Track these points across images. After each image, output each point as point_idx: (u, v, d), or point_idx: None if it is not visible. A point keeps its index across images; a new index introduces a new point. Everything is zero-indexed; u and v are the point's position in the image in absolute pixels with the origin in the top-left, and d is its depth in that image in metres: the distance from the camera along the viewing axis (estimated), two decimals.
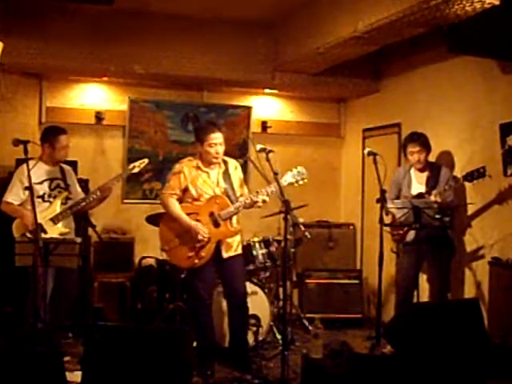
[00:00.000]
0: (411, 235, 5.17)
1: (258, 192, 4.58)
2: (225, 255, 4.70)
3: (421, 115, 6.08)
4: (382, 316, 4.86)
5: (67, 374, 3.21)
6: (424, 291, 5.30)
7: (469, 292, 5.42)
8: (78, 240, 4.34)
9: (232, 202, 4.66)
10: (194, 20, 6.09)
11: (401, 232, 5.22)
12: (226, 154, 4.81)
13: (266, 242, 5.56)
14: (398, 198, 5.29)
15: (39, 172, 4.78)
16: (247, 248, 5.35)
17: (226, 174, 4.77)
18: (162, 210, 4.85)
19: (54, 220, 4.75)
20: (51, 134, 4.91)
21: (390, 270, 5.90)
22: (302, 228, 4.69)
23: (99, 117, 6.57)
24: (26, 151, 4.18)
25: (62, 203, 4.85)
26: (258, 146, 4.46)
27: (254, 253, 5.47)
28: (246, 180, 5.05)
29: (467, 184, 5.07)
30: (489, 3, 4.19)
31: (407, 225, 5.02)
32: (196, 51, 6.18)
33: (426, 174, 5.24)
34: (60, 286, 4.78)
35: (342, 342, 4.45)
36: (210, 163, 4.70)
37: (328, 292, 6.47)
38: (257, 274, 5.55)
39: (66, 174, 4.99)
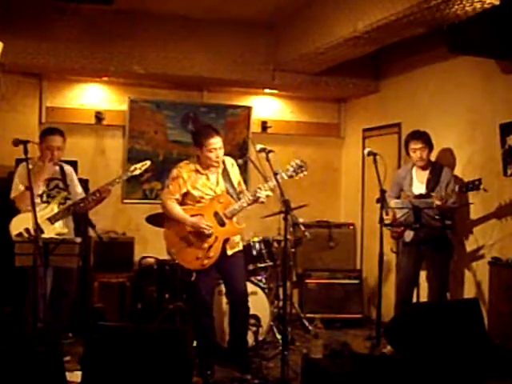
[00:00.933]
0: (410, 235, 5.18)
1: (260, 188, 4.58)
2: (229, 252, 4.70)
3: (421, 115, 6.08)
4: (382, 316, 4.86)
5: (67, 373, 3.21)
6: (424, 291, 5.30)
7: (469, 292, 5.42)
8: (78, 240, 4.33)
9: (234, 200, 4.67)
10: (194, 20, 6.09)
11: (399, 230, 5.23)
12: (226, 153, 4.81)
13: (266, 242, 5.56)
14: (398, 197, 5.30)
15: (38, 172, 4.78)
16: (247, 248, 5.36)
17: (225, 173, 4.77)
18: (162, 210, 4.84)
19: (51, 220, 4.74)
20: (42, 133, 4.98)
21: (390, 270, 5.91)
22: (302, 228, 4.69)
23: (99, 117, 6.57)
24: (25, 151, 4.19)
25: (61, 203, 4.84)
26: (258, 146, 4.46)
27: (254, 253, 5.48)
28: (245, 180, 5.06)
29: None
30: (489, 3, 4.19)
31: (407, 225, 5.02)
32: (196, 51, 6.18)
33: (427, 172, 5.25)
34: (60, 286, 4.78)
35: (342, 342, 4.46)
36: (209, 166, 4.70)
37: (328, 292, 6.48)
38: (257, 274, 5.55)
39: (66, 174, 4.99)
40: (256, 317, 5.11)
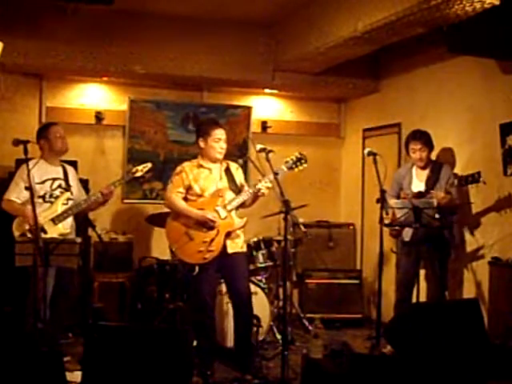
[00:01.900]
0: (408, 234, 5.18)
1: (260, 181, 4.59)
2: (230, 251, 4.69)
3: (421, 115, 6.08)
4: (382, 316, 4.86)
5: (67, 373, 3.20)
6: (424, 291, 5.30)
7: (468, 292, 5.42)
8: (78, 240, 4.33)
9: (236, 195, 4.69)
10: (194, 20, 6.10)
11: (397, 228, 5.23)
12: (226, 153, 4.82)
13: (266, 242, 5.56)
14: (398, 196, 5.30)
15: (41, 171, 4.79)
16: (247, 248, 5.35)
17: (228, 172, 4.81)
18: (162, 210, 4.85)
19: (55, 220, 4.73)
20: (42, 129, 5.00)
21: (390, 270, 5.90)
22: (302, 228, 4.68)
23: (99, 117, 6.56)
24: (25, 151, 4.17)
25: (64, 204, 4.82)
26: (258, 146, 4.47)
27: (254, 253, 5.47)
28: (245, 180, 5.05)
29: None
30: (489, 3, 4.19)
31: (407, 225, 5.02)
32: (196, 51, 6.18)
33: (427, 171, 5.25)
34: (60, 286, 4.77)
35: (342, 342, 4.46)
36: (212, 159, 4.72)
37: (328, 292, 6.48)
38: (257, 274, 5.55)
39: (69, 174, 4.99)
40: (256, 317, 5.11)
